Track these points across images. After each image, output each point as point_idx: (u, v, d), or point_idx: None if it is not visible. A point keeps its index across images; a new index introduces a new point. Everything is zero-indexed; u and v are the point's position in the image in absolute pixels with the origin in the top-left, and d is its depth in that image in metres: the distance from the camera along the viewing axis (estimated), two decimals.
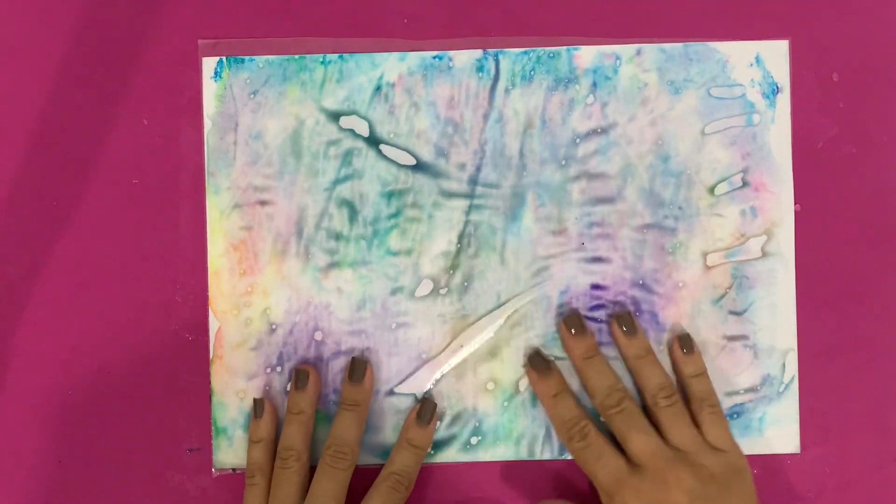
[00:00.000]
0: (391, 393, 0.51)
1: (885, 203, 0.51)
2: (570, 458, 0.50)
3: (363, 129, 0.51)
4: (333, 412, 0.50)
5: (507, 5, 0.51)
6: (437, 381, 0.51)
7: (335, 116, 0.51)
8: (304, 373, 0.49)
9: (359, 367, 0.50)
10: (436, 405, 0.50)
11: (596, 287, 0.51)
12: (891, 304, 0.51)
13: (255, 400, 0.50)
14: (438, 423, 0.51)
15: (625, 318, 0.50)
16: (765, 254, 0.51)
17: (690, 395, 0.49)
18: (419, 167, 0.51)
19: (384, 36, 0.51)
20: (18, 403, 0.51)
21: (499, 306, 0.51)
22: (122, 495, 0.51)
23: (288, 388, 0.51)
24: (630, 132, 0.51)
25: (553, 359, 0.50)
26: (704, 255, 0.51)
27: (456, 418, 0.51)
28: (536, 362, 0.50)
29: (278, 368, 0.51)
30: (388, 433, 0.50)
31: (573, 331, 0.49)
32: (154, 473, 0.51)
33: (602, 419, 0.49)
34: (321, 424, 0.50)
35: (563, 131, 0.51)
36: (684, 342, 0.50)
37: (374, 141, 0.51)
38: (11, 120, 0.51)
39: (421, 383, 0.51)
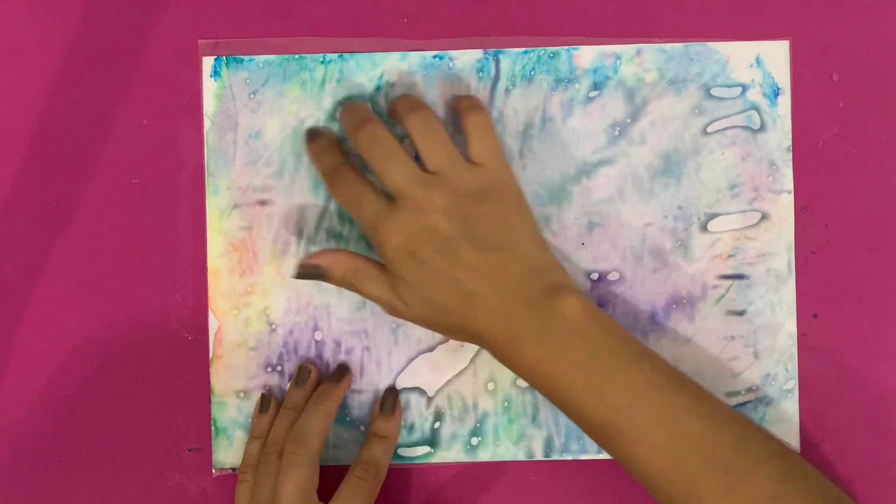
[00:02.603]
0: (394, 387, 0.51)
1: (885, 203, 0.51)
2: (569, 458, 0.50)
3: None
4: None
5: (507, 5, 0.51)
6: (441, 384, 0.51)
7: (335, 116, 0.51)
8: (305, 370, 0.49)
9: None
10: (398, 394, 0.50)
11: (596, 288, 0.51)
12: (891, 303, 0.51)
13: (263, 395, 0.50)
14: (438, 423, 0.51)
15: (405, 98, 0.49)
16: (765, 254, 0.51)
17: (458, 108, 0.49)
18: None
19: (384, 36, 0.51)
20: (18, 403, 0.51)
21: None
22: (122, 495, 0.51)
23: (287, 387, 0.51)
24: (630, 132, 0.51)
25: (325, 128, 0.50)
26: (704, 254, 0.51)
27: (456, 419, 0.51)
28: (309, 134, 0.50)
29: (278, 368, 0.51)
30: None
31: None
32: (154, 473, 0.51)
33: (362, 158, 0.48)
34: None
35: (564, 131, 0.51)
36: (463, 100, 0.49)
37: None
38: (11, 120, 0.51)
39: (421, 381, 0.51)
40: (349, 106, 0.49)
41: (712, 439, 0.43)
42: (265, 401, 0.50)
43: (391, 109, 0.49)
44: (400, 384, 0.51)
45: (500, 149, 0.48)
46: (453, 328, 0.46)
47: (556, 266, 0.47)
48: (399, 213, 0.45)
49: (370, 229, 0.46)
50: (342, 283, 0.48)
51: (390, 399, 0.50)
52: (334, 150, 0.49)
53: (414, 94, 0.49)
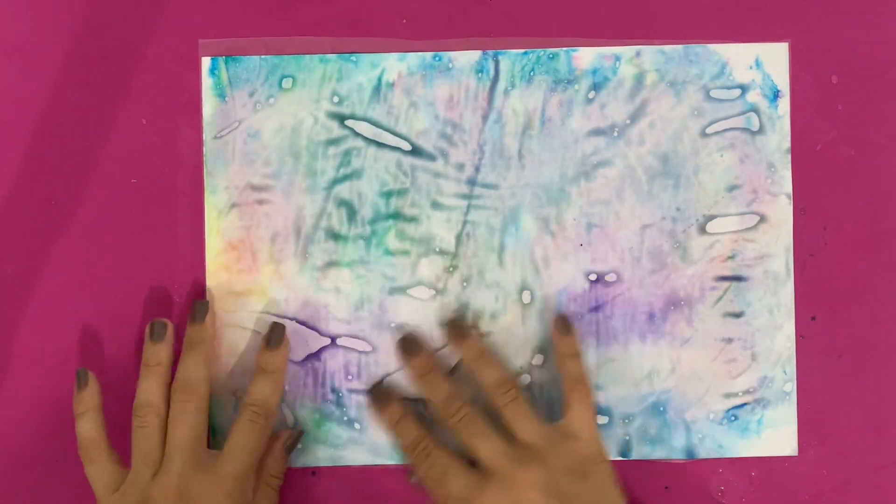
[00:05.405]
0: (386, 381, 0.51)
1: (883, 205, 0.51)
2: None
3: (362, 129, 0.51)
4: (326, 411, 0.50)
5: (506, 6, 0.51)
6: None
7: (334, 116, 0.51)
8: (160, 324, 0.49)
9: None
10: (284, 328, 0.49)
11: (594, 289, 0.51)
12: (889, 306, 0.51)
13: (77, 372, 0.49)
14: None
15: (455, 323, 0.49)
16: (763, 256, 0.51)
17: (563, 376, 0.48)
18: (418, 167, 0.51)
19: (383, 36, 0.51)
20: (17, 402, 0.51)
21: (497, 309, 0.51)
22: None
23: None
24: (629, 133, 0.51)
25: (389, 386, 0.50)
26: (702, 256, 0.51)
27: None
28: (376, 397, 0.49)
29: None
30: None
31: (406, 349, 0.49)
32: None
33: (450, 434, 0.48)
34: (322, 425, 0.50)
35: (563, 132, 0.51)
36: (561, 322, 0.49)
37: (372, 141, 0.51)
38: (11, 120, 0.51)
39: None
40: (431, 378, 0.48)
41: None
42: (81, 377, 0.48)
43: (457, 351, 0.49)
44: (398, 385, 0.51)
45: (596, 421, 0.48)
46: None
47: None
48: (491, 490, 0.45)
49: None
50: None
51: (276, 332, 0.49)
52: (410, 420, 0.48)
53: (490, 351, 0.49)
